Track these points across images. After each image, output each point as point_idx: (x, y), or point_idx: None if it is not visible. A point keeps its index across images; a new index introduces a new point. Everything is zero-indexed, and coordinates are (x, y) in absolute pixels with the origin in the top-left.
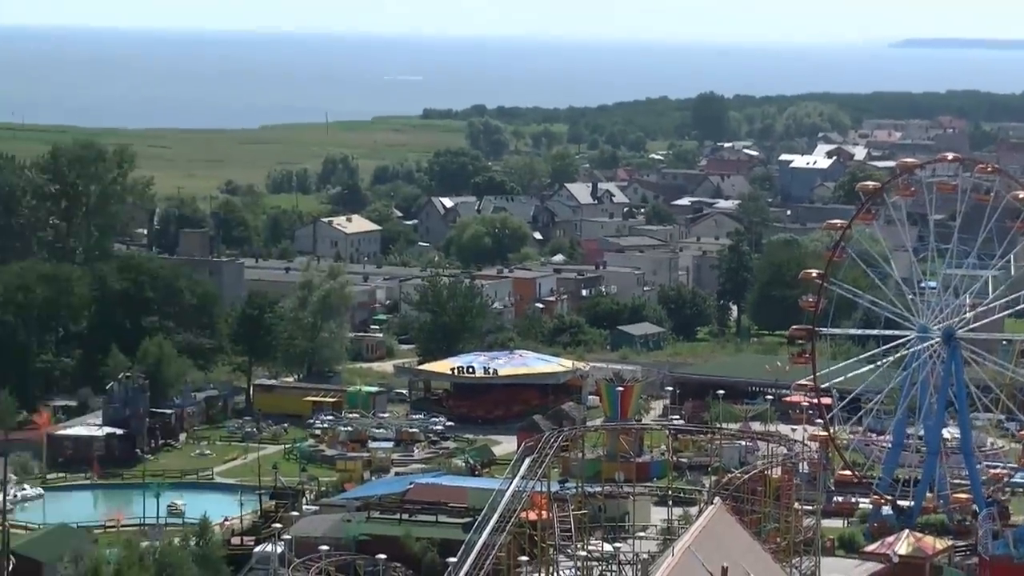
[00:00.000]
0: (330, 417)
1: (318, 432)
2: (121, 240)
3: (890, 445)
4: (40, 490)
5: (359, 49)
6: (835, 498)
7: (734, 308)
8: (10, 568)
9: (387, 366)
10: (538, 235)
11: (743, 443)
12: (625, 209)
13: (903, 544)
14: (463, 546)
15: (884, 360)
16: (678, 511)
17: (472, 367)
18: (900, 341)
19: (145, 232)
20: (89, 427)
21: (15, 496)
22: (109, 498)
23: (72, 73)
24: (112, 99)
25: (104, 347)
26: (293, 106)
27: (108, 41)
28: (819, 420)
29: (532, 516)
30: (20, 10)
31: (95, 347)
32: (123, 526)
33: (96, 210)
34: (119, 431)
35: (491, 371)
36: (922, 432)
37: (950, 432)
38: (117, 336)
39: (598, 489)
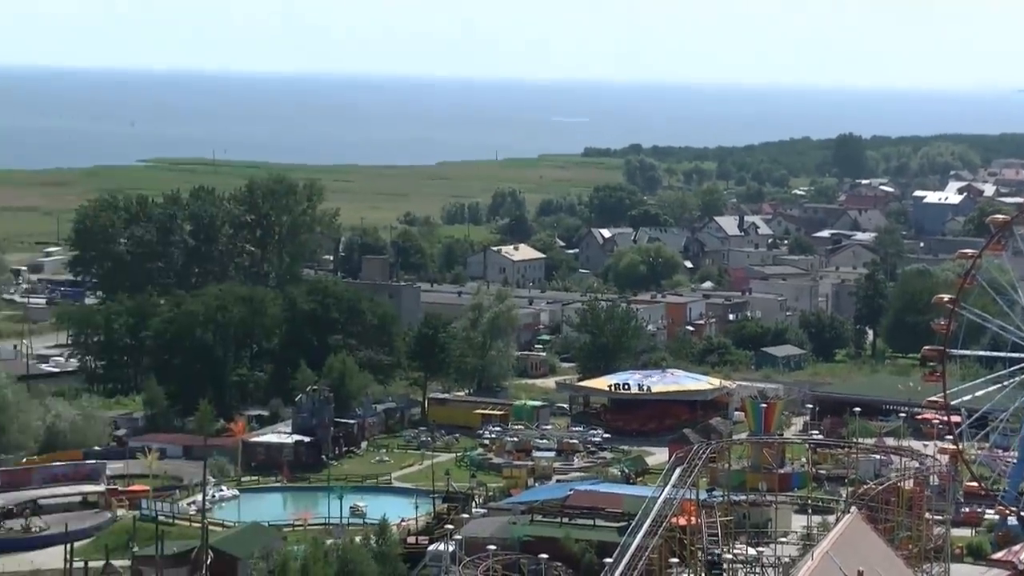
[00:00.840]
0: (498, 428)
1: (487, 442)
2: (309, 265)
3: (1015, 460)
4: (236, 491)
5: (528, 93)
6: (963, 509)
7: (870, 332)
8: (208, 562)
9: (550, 382)
10: (689, 264)
11: (878, 457)
12: (769, 240)
13: None
14: (618, 548)
15: (1010, 381)
16: (817, 519)
17: (628, 384)
18: None
19: (331, 258)
20: (280, 435)
21: (214, 496)
22: (297, 499)
23: (267, 115)
24: (302, 138)
25: (294, 362)
26: (467, 145)
27: (299, 85)
28: (949, 436)
29: (682, 521)
30: (225, 57)
31: (285, 362)
32: (309, 525)
33: (287, 238)
34: (307, 439)
35: (645, 388)
36: None
37: None
38: (305, 352)
39: (743, 497)
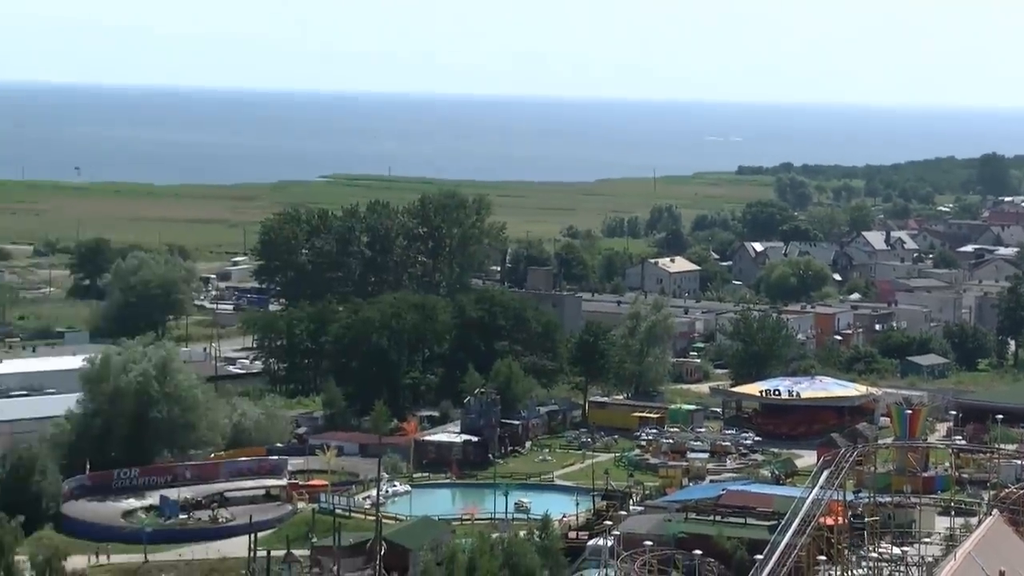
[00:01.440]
0: (654, 430)
1: (644, 443)
2: (478, 275)
3: None
4: (408, 487)
5: (682, 114)
6: None
7: (1012, 343)
8: (382, 552)
9: (703, 387)
10: (837, 276)
11: (1019, 462)
12: (915, 255)
13: None
14: (768, 545)
15: None
16: (959, 521)
17: (778, 390)
18: None
19: (498, 269)
20: (449, 434)
21: (387, 491)
22: (465, 495)
23: (436, 134)
24: (471, 156)
25: (463, 366)
26: (626, 163)
27: (462, 106)
28: None
29: (829, 521)
30: (396, 80)
31: (455, 366)
32: (476, 519)
33: (457, 250)
34: (474, 438)
35: (794, 394)
36: None
37: None
38: (474, 357)
39: (888, 499)
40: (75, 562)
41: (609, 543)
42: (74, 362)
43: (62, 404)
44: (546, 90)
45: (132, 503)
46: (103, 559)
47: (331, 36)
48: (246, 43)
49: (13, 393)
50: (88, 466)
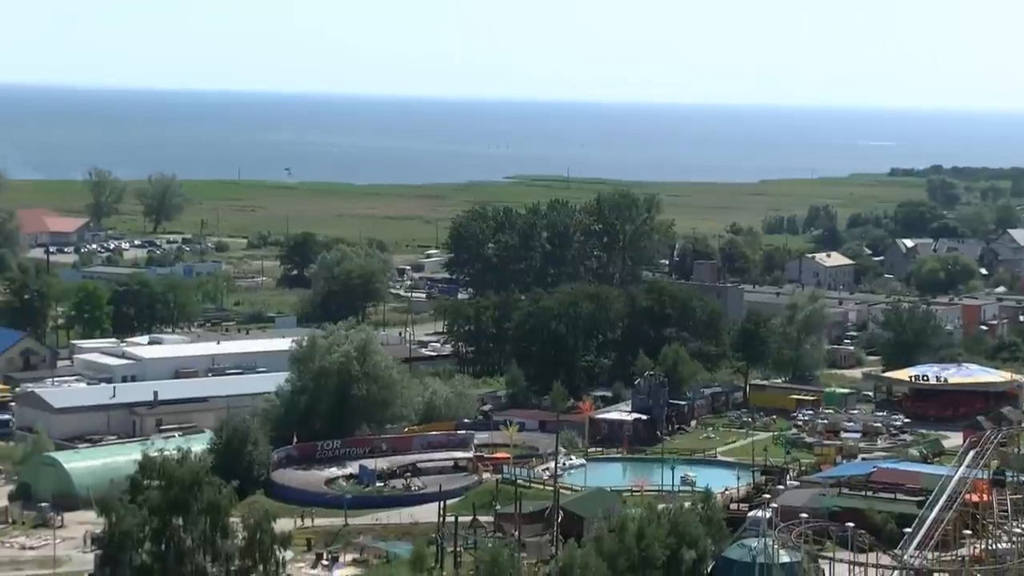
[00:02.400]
0: (810, 412)
1: (800, 423)
2: (648, 268)
3: None
4: (583, 460)
5: (836, 120)
6: None
7: None
8: (559, 519)
9: (856, 373)
10: (983, 271)
11: None
12: None
13: None
14: (916, 520)
15: None
16: None
17: (927, 375)
18: None
19: (667, 262)
20: (621, 413)
21: (564, 464)
22: (635, 469)
23: (611, 140)
24: (643, 160)
25: (633, 351)
26: (785, 166)
27: (636, 114)
28: None
29: (974, 498)
30: (574, 89)
31: (626, 351)
32: (645, 491)
33: (629, 245)
34: (644, 417)
35: (942, 379)
36: None
37: None
38: (643, 343)
39: None
40: (282, 524)
41: (767, 515)
42: (283, 344)
43: (272, 382)
44: (712, 98)
45: (334, 472)
46: (308, 522)
47: (511, 48)
48: (431, 56)
49: (229, 371)
50: (295, 438)
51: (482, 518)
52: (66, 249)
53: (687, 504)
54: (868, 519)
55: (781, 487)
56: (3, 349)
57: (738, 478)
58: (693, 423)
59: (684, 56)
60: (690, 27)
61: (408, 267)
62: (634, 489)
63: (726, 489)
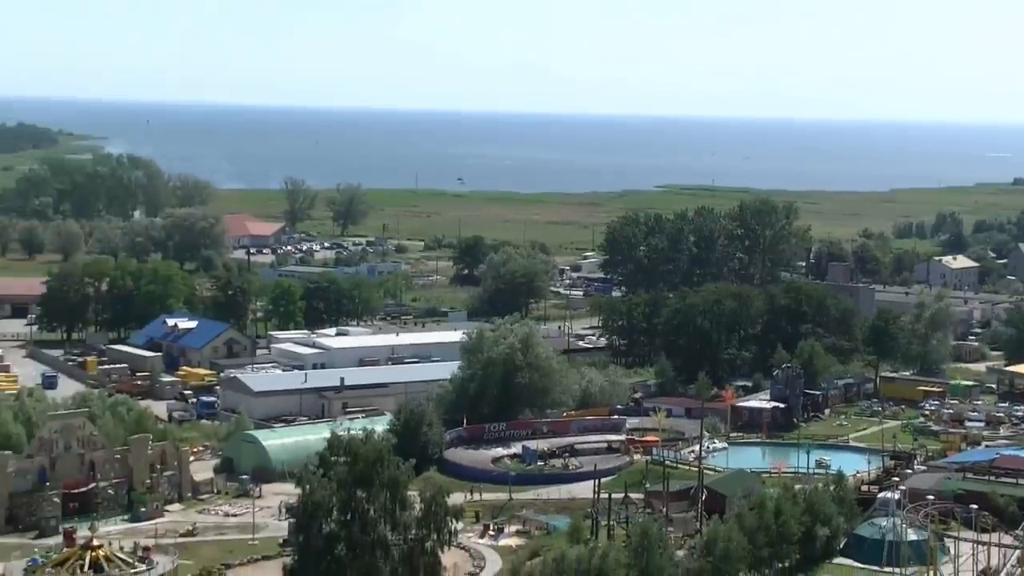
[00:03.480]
0: (936, 402)
1: (927, 412)
2: (786, 269)
3: None
4: (725, 444)
5: (960, 132)
6: None
7: None
8: (703, 497)
9: (980, 367)
10: None
11: None
12: None
13: None
14: None
15: None
16: None
17: None
18: None
19: (804, 264)
20: (760, 401)
21: (708, 448)
22: (773, 452)
23: (753, 151)
24: (784, 170)
25: (772, 345)
26: (914, 175)
27: (777, 129)
28: None
29: None
30: (717, 105)
31: (765, 344)
32: (782, 473)
33: (769, 248)
34: (781, 405)
35: None
36: None
37: None
38: (782, 337)
39: None
40: (454, 498)
41: (896, 496)
42: (455, 336)
43: (446, 370)
44: (852, 114)
45: (499, 451)
46: (476, 496)
47: (663, 67)
48: (596, 79)
49: (407, 360)
50: (465, 420)
51: (633, 495)
52: (264, 250)
53: (821, 485)
54: (991, 502)
55: (909, 471)
56: (210, 339)
57: (868, 462)
58: (827, 411)
59: (820, 75)
60: (828, 48)
61: (567, 267)
62: (772, 471)
63: (857, 472)
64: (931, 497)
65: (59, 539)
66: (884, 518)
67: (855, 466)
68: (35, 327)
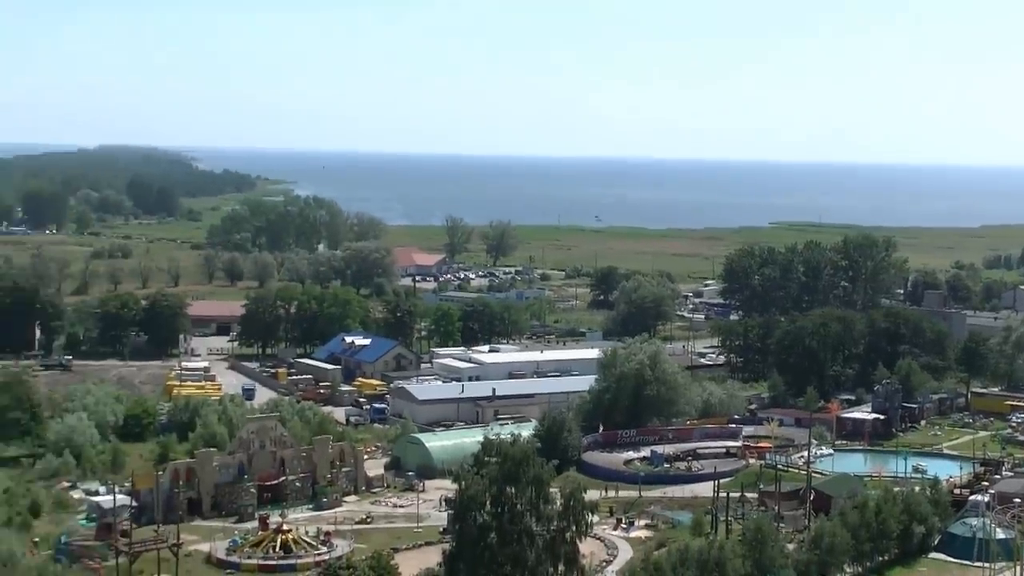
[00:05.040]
0: (1022, 415)
1: (1014, 424)
2: (885, 296)
3: None
4: (831, 451)
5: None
6: None
7: None
8: (811, 497)
9: None
10: None
11: None
12: None
13: None
14: None
15: None
16: None
17: None
18: None
19: (901, 292)
20: (862, 413)
21: (815, 454)
22: (874, 459)
23: (855, 194)
24: (883, 209)
25: (873, 363)
26: (1003, 213)
27: (878, 172)
28: None
29: None
30: (815, 151)
31: (867, 363)
32: (882, 477)
33: (870, 277)
34: (881, 416)
35: None
36: None
37: None
38: (881, 357)
39: None
40: (590, 495)
41: (986, 499)
42: (592, 353)
43: (583, 383)
44: (941, 157)
45: (630, 455)
46: (611, 493)
47: (778, 114)
48: (717, 127)
49: (550, 374)
50: (600, 427)
51: (748, 495)
52: (428, 278)
53: (918, 488)
54: None
55: (998, 476)
56: (381, 354)
57: (960, 468)
58: (923, 423)
59: (922, 122)
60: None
61: (690, 294)
62: (873, 475)
63: (950, 477)
64: (1018, 500)
65: (255, 524)
66: (975, 518)
67: (948, 471)
68: (235, 343)
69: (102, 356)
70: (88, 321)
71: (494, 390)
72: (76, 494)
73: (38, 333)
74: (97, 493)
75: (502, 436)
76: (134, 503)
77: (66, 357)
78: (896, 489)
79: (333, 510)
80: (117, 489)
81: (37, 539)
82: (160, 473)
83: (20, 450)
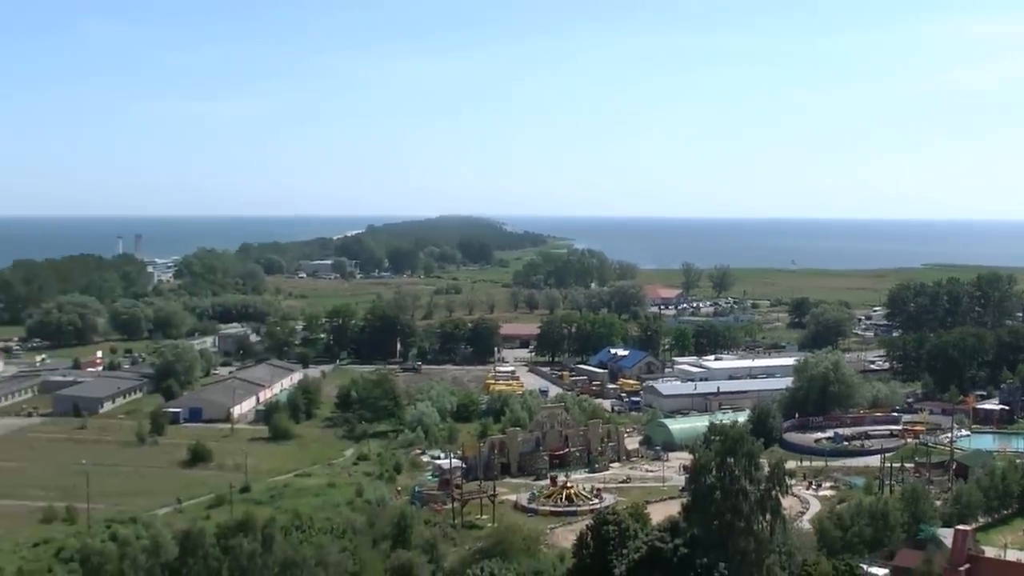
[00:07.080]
0: None
1: None
2: (1009, 319)
3: None
4: (968, 433)
5: None
6: None
7: None
8: (954, 467)
9: None
10: None
11: None
12: None
13: None
14: None
15: None
16: None
17: None
18: None
19: (1021, 315)
20: (992, 404)
21: (957, 435)
22: (1001, 439)
23: (986, 243)
24: (1009, 255)
25: (999, 367)
26: None
27: (996, 225)
28: None
29: None
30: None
31: (995, 367)
32: (1007, 453)
33: (997, 304)
34: (1006, 407)
35: None
36: None
37: None
38: (1007, 362)
39: None
40: (789, 464)
41: None
42: (790, 361)
43: (784, 383)
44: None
45: (819, 435)
46: (804, 463)
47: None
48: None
49: (759, 376)
50: (796, 415)
51: (906, 465)
52: (669, 307)
53: None
54: None
55: None
56: (636, 362)
57: None
58: None
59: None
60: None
61: (863, 317)
62: (1000, 451)
63: None
64: None
65: (547, 482)
66: None
67: None
68: (533, 354)
69: (441, 362)
70: (432, 338)
71: (718, 387)
72: (425, 458)
73: (398, 346)
74: (439, 458)
75: (724, 421)
76: (464, 465)
77: (417, 363)
78: (1017, 461)
79: (602, 473)
80: (452, 455)
81: (400, 488)
82: (482, 445)
83: (387, 427)
